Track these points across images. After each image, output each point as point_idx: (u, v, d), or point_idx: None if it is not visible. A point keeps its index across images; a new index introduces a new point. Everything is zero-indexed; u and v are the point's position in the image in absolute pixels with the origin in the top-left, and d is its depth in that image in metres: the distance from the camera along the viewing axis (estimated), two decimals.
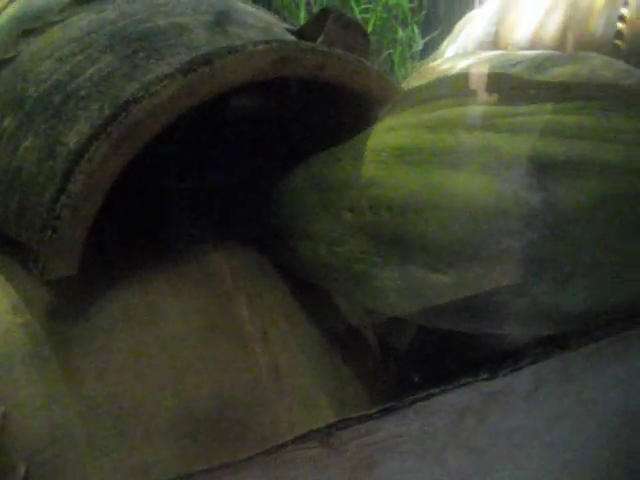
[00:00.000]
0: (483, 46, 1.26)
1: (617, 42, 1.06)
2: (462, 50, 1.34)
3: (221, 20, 0.60)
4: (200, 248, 0.59)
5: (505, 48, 1.19)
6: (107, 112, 0.47)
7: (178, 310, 0.55)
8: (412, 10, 1.42)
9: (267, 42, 0.52)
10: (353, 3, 1.31)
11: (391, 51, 1.37)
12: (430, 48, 1.47)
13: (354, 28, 0.64)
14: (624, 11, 1.06)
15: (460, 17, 1.43)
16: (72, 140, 0.48)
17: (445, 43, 1.42)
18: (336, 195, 0.56)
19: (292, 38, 0.62)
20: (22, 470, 0.45)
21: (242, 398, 0.58)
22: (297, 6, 1.28)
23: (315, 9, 1.28)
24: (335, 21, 0.63)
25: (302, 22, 1.16)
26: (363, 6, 1.36)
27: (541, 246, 0.46)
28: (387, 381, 0.73)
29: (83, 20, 0.58)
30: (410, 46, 1.44)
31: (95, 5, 0.59)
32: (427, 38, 1.46)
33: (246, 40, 0.55)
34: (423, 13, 1.47)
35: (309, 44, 0.56)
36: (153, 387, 0.54)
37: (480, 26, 1.29)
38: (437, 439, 0.46)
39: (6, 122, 0.54)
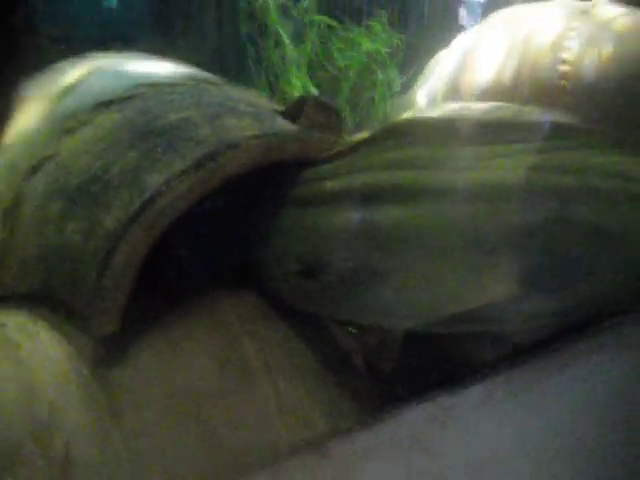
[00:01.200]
0: (450, 89, 1.40)
1: (563, 82, 1.21)
2: (433, 92, 1.48)
3: (219, 113, 0.74)
4: (212, 299, 0.72)
5: (467, 92, 1.33)
6: (137, 202, 0.61)
7: (197, 351, 0.69)
8: (390, 54, 1.56)
9: (257, 137, 0.66)
10: (336, 54, 1.45)
11: (374, 96, 1.51)
12: (408, 86, 1.61)
13: (328, 110, 0.78)
14: (566, 55, 1.20)
15: (433, 56, 1.58)
16: (110, 224, 0.61)
17: (418, 84, 1.56)
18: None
19: (279, 122, 0.76)
20: None
21: (249, 421, 0.71)
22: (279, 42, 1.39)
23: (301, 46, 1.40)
24: (313, 106, 0.77)
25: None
26: (347, 53, 1.50)
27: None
28: (373, 397, 0.87)
29: (107, 120, 0.72)
30: (390, 86, 1.58)
31: (116, 105, 0.73)
32: (404, 79, 1.60)
33: (241, 129, 0.69)
34: (400, 55, 1.61)
35: (291, 133, 0.70)
36: (179, 415, 0.67)
37: (446, 69, 1.43)
38: (403, 446, 0.59)
39: (53, 207, 0.67)
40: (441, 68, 1.48)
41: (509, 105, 1.05)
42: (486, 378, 0.67)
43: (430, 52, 1.58)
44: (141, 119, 0.71)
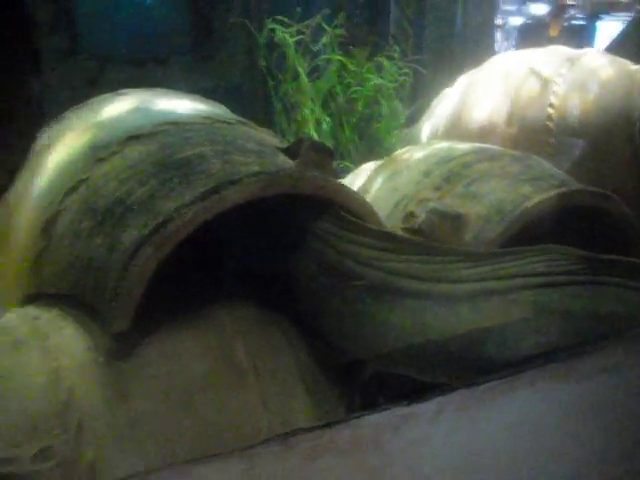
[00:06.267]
0: (450, 125, 1.52)
1: (548, 124, 1.31)
2: (435, 127, 1.59)
3: (229, 150, 0.87)
4: (213, 305, 0.85)
5: (465, 130, 1.44)
6: (151, 224, 0.74)
7: (193, 349, 0.81)
8: (396, 88, 1.68)
9: (257, 173, 0.79)
10: (338, 89, 1.58)
11: (379, 125, 1.63)
12: (414, 119, 1.72)
13: (323, 151, 0.90)
14: (552, 99, 1.31)
15: (438, 92, 1.69)
16: (128, 242, 0.74)
17: (423, 118, 1.68)
18: None
19: (279, 159, 0.88)
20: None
21: (234, 413, 0.83)
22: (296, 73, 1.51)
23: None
24: (309, 147, 0.89)
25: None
26: (353, 88, 1.63)
27: None
28: (351, 404, 0.98)
29: (134, 152, 0.85)
30: (396, 118, 1.69)
31: (143, 140, 0.87)
32: (411, 111, 1.71)
33: (245, 165, 0.82)
34: (407, 88, 1.73)
35: (286, 171, 0.82)
36: (174, 402, 0.79)
37: (448, 107, 1.54)
38: (361, 445, 0.70)
39: (83, 224, 0.81)
40: (444, 104, 1.59)
41: (489, 147, 1.16)
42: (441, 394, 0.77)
43: (447, 82, 1.69)
44: (162, 153, 0.84)
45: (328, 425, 0.71)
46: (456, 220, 0.89)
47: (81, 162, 0.87)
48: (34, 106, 2.04)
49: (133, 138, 0.87)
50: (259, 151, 0.88)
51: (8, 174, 0.99)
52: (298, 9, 1.49)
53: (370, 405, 0.94)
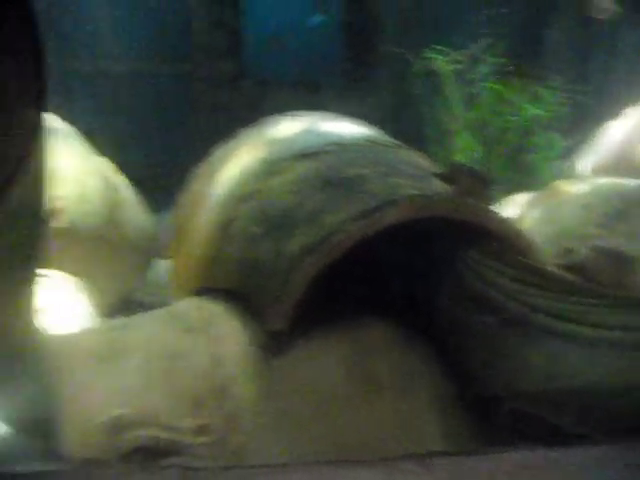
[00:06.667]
0: (616, 160, 1.41)
1: None
2: (598, 159, 1.49)
3: (388, 172, 0.91)
4: (356, 320, 0.89)
5: (633, 166, 1.32)
6: (317, 235, 0.80)
7: (339, 359, 0.86)
8: (553, 119, 1.61)
9: (414, 197, 0.81)
10: (492, 118, 1.55)
11: (533, 156, 1.57)
12: (572, 151, 1.63)
13: (479, 178, 0.90)
14: None
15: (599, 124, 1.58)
16: (294, 250, 0.81)
17: (585, 151, 1.58)
18: None
19: (435, 184, 0.90)
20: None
21: (371, 428, 0.85)
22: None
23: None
24: (465, 173, 0.90)
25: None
26: (508, 117, 1.59)
27: None
28: (486, 437, 0.95)
29: (303, 168, 0.93)
30: (552, 149, 1.61)
31: (311, 158, 0.94)
32: (569, 143, 1.62)
33: (403, 188, 0.85)
34: (565, 120, 1.64)
35: (442, 196, 0.84)
36: (312, 405, 0.84)
37: (613, 140, 1.44)
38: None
39: (254, 229, 0.90)
40: (609, 138, 1.49)
41: None
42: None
43: (612, 115, 1.58)
44: (328, 171, 0.91)
45: (468, 454, 0.71)
46: (623, 261, 0.83)
47: (254, 174, 0.97)
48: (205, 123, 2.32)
49: (303, 156, 0.95)
50: (416, 175, 0.91)
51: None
52: (457, 38, 1.51)
53: (505, 441, 0.90)
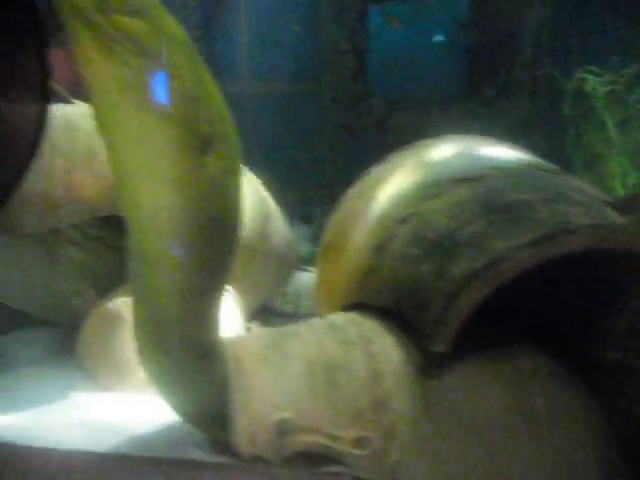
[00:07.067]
0: None
1: None
2: None
3: (553, 198, 0.88)
4: (513, 350, 0.87)
5: None
6: (482, 260, 0.80)
7: (496, 388, 0.85)
8: None
9: (591, 226, 0.79)
10: None
11: None
12: None
13: None
14: None
15: None
16: (457, 273, 0.82)
17: None
18: None
19: (608, 213, 0.86)
20: None
21: (527, 461, 0.83)
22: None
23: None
24: None
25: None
26: None
27: None
28: None
29: (462, 192, 0.94)
30: None
31: (470, 182, 0.95)
32: None
33: (574, 216, 0.83)
34: None
35: (622, 226, 0.80)
36: (469, 433, 0.84)
37: None
38: None
39: (411, 251, 0.92)
40: None
41: None
42: None
43: None
44: (488, 195, 0.91)
45: None
46: None
47: (411, 197, 1.00)
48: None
49: (461, 180, 0.96)
50: (586, 203, 0.88)
51: None
52: (614, 57, 1.44)
53: None
